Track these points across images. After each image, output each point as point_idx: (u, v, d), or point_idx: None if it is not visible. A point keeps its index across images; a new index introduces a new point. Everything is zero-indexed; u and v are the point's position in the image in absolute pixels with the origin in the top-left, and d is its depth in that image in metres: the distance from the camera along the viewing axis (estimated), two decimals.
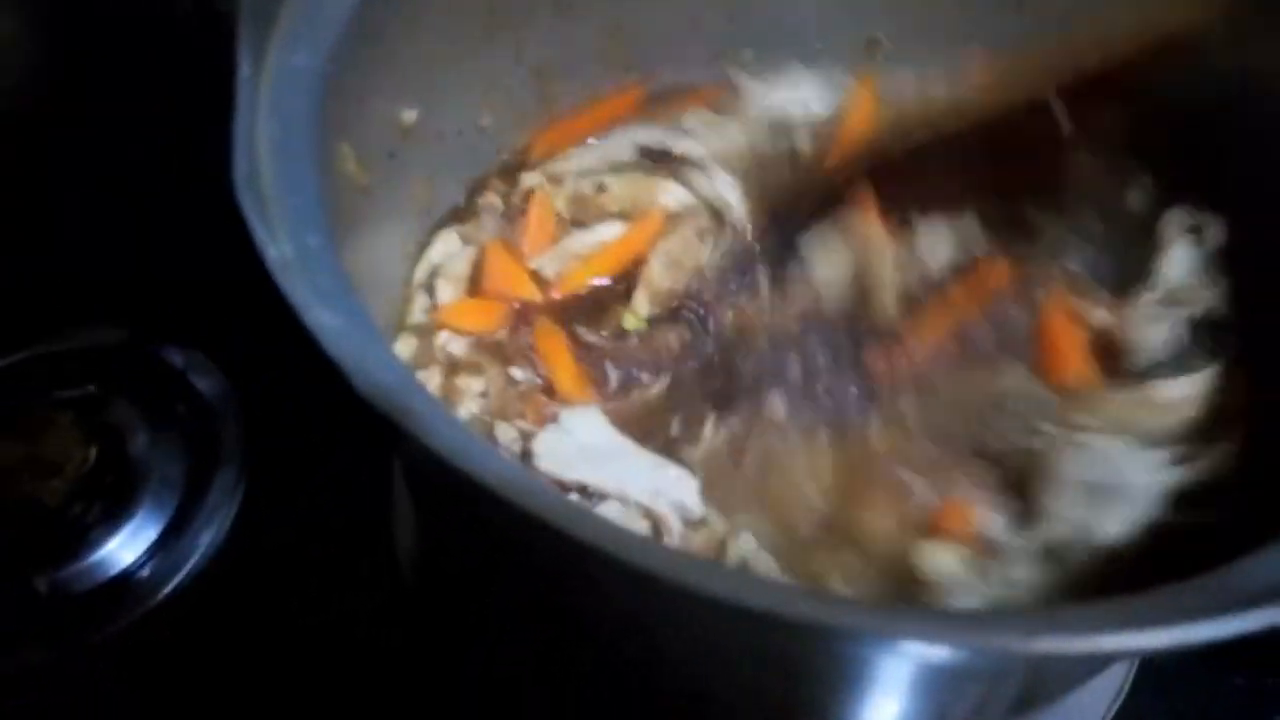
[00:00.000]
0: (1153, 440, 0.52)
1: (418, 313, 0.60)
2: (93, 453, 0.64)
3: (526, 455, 0.52)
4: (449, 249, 0.62)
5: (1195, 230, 0.58)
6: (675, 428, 0.55)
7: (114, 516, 0.64)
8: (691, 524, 0.52)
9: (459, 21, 0.59)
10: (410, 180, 0.60)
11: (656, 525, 0.51)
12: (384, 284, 0.59)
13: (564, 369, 0.57)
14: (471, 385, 0.56)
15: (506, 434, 0.54)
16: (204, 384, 0.71)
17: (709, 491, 0.52)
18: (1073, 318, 0.58)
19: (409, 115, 0.57)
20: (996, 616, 0.41)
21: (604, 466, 0.52)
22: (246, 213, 0.35)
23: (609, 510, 0.51)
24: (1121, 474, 0.51)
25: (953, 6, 0.67)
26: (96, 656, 0.61)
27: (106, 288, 0.71)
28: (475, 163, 0.65)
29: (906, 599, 0.50)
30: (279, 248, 0.36)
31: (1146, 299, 0.58)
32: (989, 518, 0.52)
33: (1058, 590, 0.49)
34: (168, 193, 0.70)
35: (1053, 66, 0.55)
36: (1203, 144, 0.57)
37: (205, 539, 0.65)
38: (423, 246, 0.62)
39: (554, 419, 0.53)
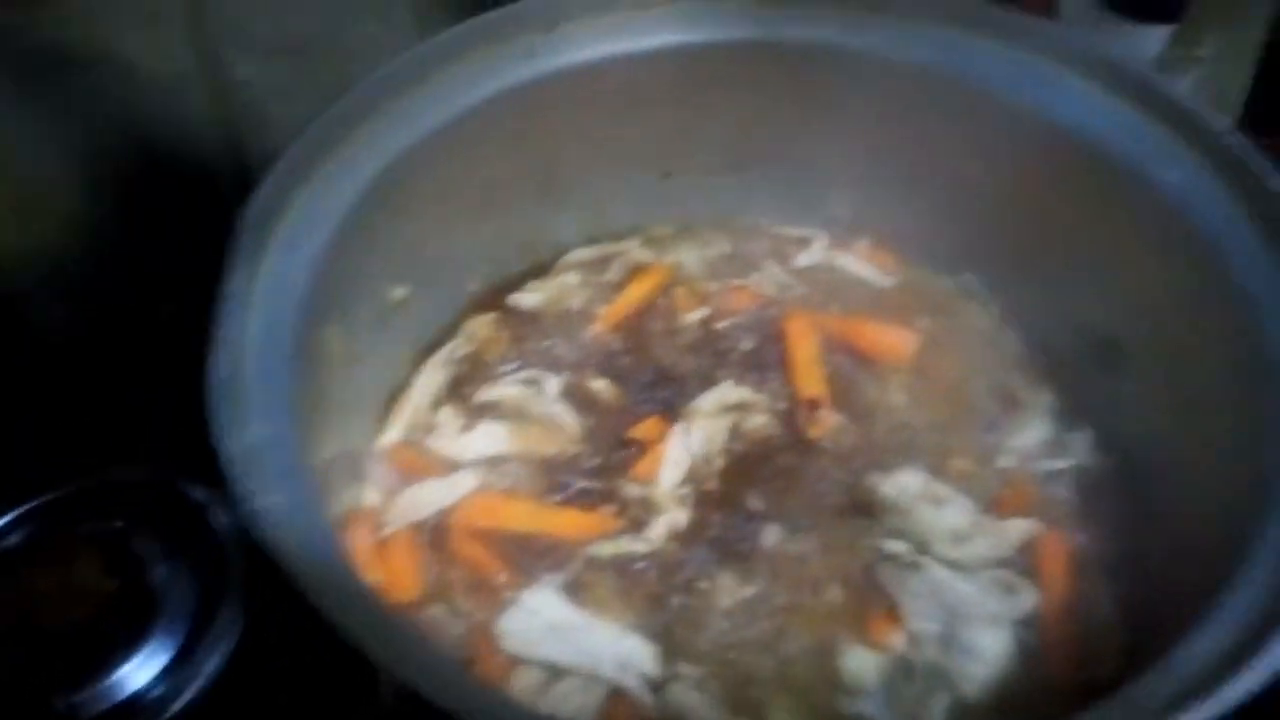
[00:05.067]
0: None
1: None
2: (115, 583, 0.71)
3: (482, 635, 0.57)
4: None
5: None
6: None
7: (130, 642, 0.70)
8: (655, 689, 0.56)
9: (451, 207, 0.67)
10: (399, 342, 0.67)
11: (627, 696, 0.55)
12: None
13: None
14: None
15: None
16: (219, 520, 0.77)
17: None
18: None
19: (399, 292, 0.65)
20: None
21: (571, 643, 0.56)
22: (213, 411, 0.42)
23: (570, 686, 0.55)
24: (960, 596, 0.58)
25: None
26: None
27: (140, 426, 0.79)
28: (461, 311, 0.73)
29: None
30: (236, 441, 0.42)
31: None
32: (902, 636, 0.58)
33: None
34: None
35: None
36: None
37: (211, 665, 0.70)
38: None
39: (512, 601, 0.57)
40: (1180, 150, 0.60)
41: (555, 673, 0.55)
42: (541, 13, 0.63)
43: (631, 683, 0.55)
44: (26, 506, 0.75)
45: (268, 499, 0.41)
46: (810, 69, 0.68)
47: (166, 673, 0.70)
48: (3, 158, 0.73)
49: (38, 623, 0.68)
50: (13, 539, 0.74)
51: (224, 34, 0.71)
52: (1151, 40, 0.97)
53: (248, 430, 0.43)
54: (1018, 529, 0.63)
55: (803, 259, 0.79)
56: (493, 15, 0.61)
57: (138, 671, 0.69)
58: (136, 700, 0.69)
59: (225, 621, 0.72)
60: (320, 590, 0.40)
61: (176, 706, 0.69)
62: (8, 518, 0.75)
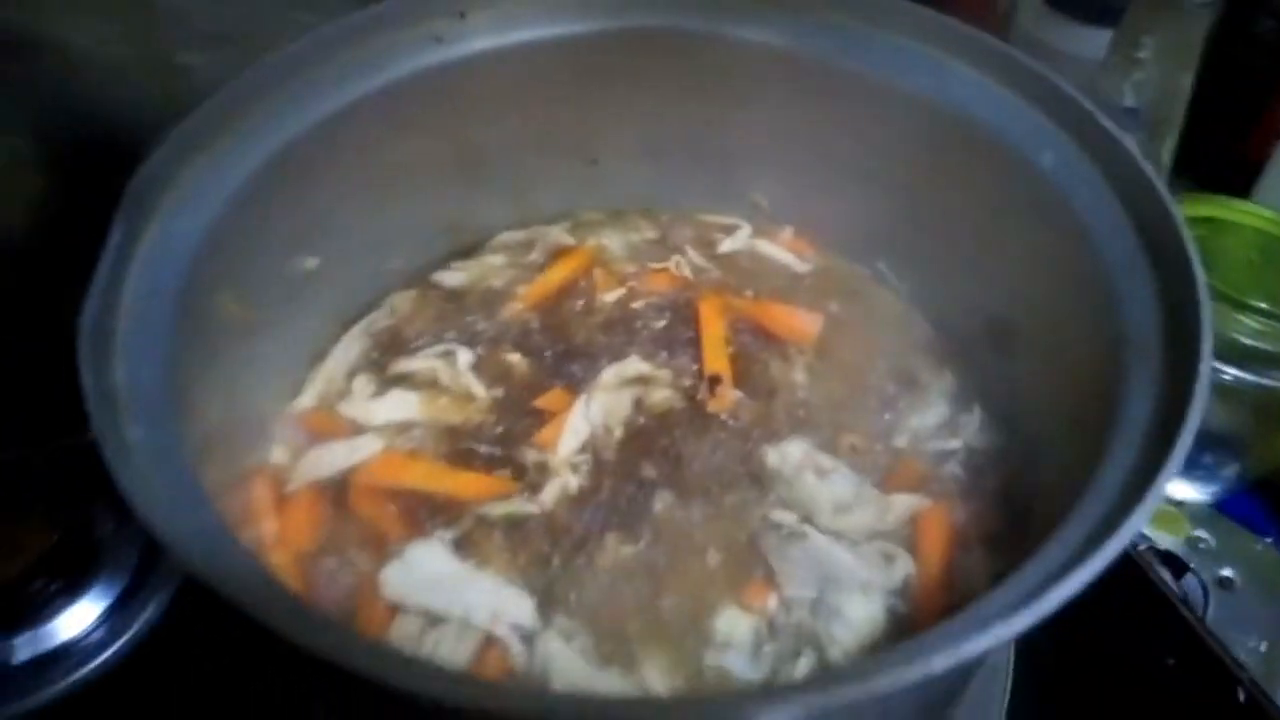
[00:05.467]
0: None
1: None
2: (56, 537, 0.75)
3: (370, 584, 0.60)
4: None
5: None
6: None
7: (68, 593, 0.74)
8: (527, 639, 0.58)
9: (367, 184, 0.70)
10: (315, 313, 0.71)
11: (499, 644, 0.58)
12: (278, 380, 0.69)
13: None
14: None
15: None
16: None
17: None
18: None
19: (310, 263, 0.68)
20: None
21: (448, 593, 0.59)
22: (80, 350, 0.46)
23: (447, 632, 0.58)
24: (836, 564, 0.61)
25: None
26: (42, 715, 0.70)
27: None
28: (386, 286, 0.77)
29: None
30: (103, 380, 0.46)
31: None
32: (775, 601, 0.60)
33: None
34: None
35: None
36: None
37: (146, 617, 0.75)
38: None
39: (398, 555, 0.60)
40: (1055, 133, 0.62)
41: (432, 620, 0.58)
42: (449, 1, 0.66)
43: (504, 632, 0.57)
44: None
45: (124, 435, 0.44)
46: (714, 59, 0.71)
47: (102, 622, 0.74)
48: None
49: None
50: None
51: (166, 22, 0.75)
52: (1098, 42, 0.99)
53: (113, 373, 0.47)
54: (903, 503, 0.65)
55: (725, 245, 0.81)
56: (399, 1, 0.64)
57: (74, 620, 0.74)
58: (71, 646, 0.73)
59: (162, 578, 0.77)
60: (168, 527, 0.43)
61: (109, 654, 0.73)
62: None
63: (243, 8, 0.76)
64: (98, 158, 0.80)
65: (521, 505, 0.64)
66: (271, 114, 0.60)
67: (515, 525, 0.63)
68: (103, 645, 0.74)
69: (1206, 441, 0.85)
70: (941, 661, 0.40)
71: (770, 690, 0.53)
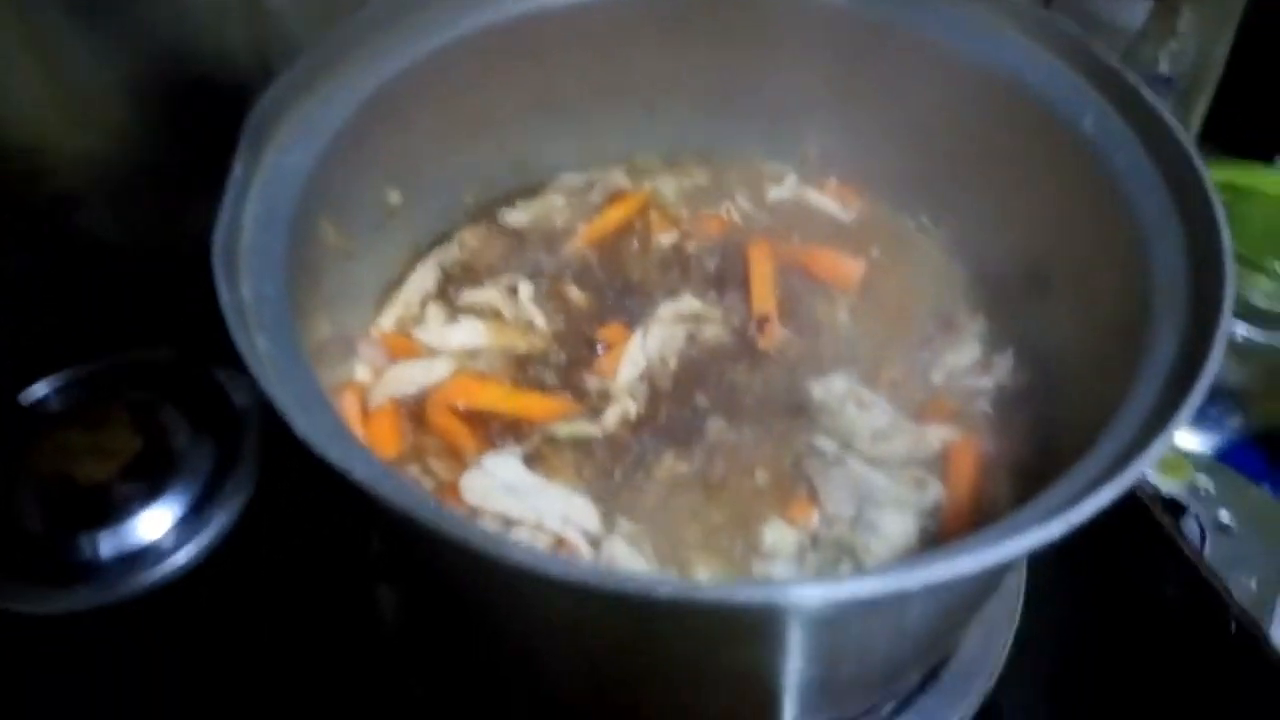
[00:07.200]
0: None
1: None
2: (139, 443, 0.81)
3: (450, 490, 0.65)
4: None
5: None
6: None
7: (149, 496, 0.80)
8: (594, 542, 0.64)
9: (448, 124, 0.74)
10: (396, 243, 0.76)
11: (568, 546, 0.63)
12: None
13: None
14: None
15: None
16: (238, 398, 0.87)
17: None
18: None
19: (394, 197, 0.73)
20: None
21: (522, 500, 0.64)
22: (215, 270, 0.51)
23: (520, 535, 0.63)
24: (873, 486, 0.67)
25: None
26: (123, 609, 0.77)
27: (171, 314, 0.88)
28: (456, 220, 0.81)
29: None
30: (235, 295, 0.51)
31: None
32: (818, 517, 0.66)
33: None
34: None
35: None
36: None
37: (220, 522, 0.81)
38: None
39: (477, 464, 0.66)
40: (1097, 99, 0.66)
41: (507, 523, 0.64)
42: None
43: (573, 535, 0.63)
44: (68, 374, 0.86)
45: (255, 345, 0.50)
46: (775, 16, 0.75)
47: (179, 525, 0.80)
48: (62, 70, 0.82)
49: (70, 475, 0.78)
50: (55, 402, 0.85)
51: None
52: (1136, 10, 1.03)
53: (241, 290, 0.52)
54: (935, 434, 0.71)
55: (773, 193, 0.86)
56: None
57: (153, 522, 0.80)
58: (152, 547, 0.79)
59: (236, 486, 0.83)
60: (302, 418, 0.48)
61: (186, 555, 0.79)
62: (52, 383, 0.86)
63: None
64: (186, 93, 0.84)
65: (584, 427, 0.69)
66: (371, 58, 0.65)
67: (579, 444, 0.69)
68: (177, 548, 0.80)
69: (1214, 394, 0.90)
70: (969, 564, 0.45)
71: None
